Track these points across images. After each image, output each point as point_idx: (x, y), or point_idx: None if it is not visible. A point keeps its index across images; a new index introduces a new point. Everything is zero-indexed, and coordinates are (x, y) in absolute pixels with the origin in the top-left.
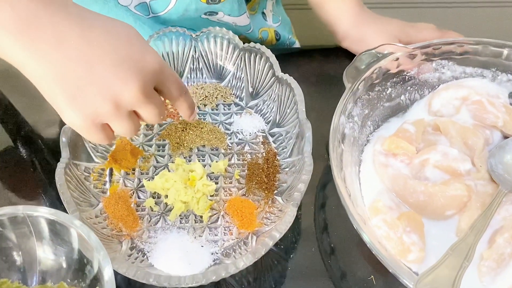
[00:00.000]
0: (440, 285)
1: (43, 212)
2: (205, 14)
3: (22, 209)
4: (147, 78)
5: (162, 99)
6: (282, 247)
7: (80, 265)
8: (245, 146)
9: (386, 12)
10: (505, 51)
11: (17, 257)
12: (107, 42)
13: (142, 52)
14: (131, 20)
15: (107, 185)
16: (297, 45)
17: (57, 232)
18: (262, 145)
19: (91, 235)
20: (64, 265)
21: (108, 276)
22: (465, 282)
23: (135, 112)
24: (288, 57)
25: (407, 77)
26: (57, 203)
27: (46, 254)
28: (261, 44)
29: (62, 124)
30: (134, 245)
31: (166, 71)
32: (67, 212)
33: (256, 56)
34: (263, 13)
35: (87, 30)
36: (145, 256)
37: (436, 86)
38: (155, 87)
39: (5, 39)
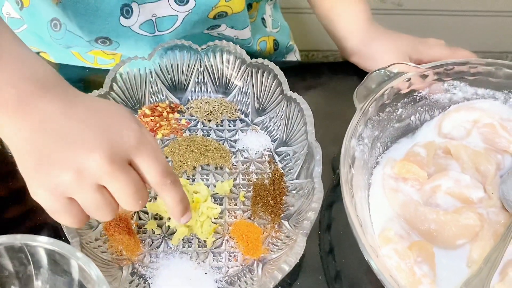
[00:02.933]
0: None
1: (42, 242)
2: (207, 28)
3: (20, 238)
4: (116, 150)
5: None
6: None
7: None
8: (250, 165)
9: (390, 19)
10: None
11: (14, 287)
12: (85, 118)
13: (120, 126)
14: (132, 40)
15: None
16: (296, 50)
17: (57, 262)
18: (268, 165)
19: (92, 268)
20: None
21: None
22: None
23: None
24: (294, 70)
25: (418, 98)
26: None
27: (44, 284)
28: (260, 55)
29: None
30: (135, 270)
31: (145, 149)
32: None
33: (264, 72)
34: (262, 19)
35: (69, 107)
36: (147, 283)
37: (447, 107)
38: (133, 165)
39: None
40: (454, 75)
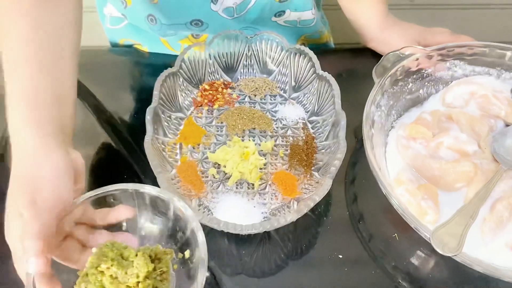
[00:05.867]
0: (450, 236)
1: (148, 189)
2: (275, 15)
3: (131, 186)
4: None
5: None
6: (317, 213)
7: (173, 232)
8: (288, 130)
9: (403, 13)
10: (509, 53)
11: (124, 223)
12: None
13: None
14: (219, 22)
15: (178, 156)
16: (331, 44)
17: (157, 205)
18: (302, 130)
19: (187, 208)
20: (160, 231)
21: (201, 240)
22: (470, 240)
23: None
24: (323, 54)
25: (425, 74)
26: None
27: (145, 222)
28: (320, 35)
29: (135, 110)
30: (201, 202)
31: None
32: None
33: (300, 55)
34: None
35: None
36: (210, 212)
37: (449, 82)
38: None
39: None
40: (455, 55)
